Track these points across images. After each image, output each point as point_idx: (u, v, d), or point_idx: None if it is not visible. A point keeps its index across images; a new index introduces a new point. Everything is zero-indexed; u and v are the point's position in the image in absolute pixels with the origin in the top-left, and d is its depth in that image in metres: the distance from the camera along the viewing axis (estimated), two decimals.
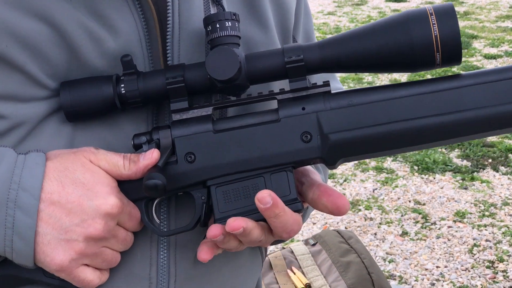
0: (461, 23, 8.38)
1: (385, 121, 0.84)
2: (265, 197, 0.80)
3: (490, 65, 6.50)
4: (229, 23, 0.82)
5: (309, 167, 0.95)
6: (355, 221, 3.79)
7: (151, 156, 0.81)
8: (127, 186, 0.85)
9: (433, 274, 3.25)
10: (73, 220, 0.78)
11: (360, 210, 3.87)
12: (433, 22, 0.80)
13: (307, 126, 0.84)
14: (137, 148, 0.85)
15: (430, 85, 0.85)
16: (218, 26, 0.82)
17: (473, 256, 3.38)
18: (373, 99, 0.85)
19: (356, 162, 4.61)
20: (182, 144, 0.85)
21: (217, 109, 0.88)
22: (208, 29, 0.82)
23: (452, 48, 0.81)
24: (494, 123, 0.84)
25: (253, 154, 0.85)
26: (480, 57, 6.78)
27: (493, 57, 6.76)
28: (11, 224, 0.76)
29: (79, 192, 0.79)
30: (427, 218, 3.79)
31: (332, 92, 0.86)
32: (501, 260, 3.32)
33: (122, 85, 0.83)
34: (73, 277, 0.81)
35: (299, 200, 0.85)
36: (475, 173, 4.35)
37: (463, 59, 6.65)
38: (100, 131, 0.86)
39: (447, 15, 0.81)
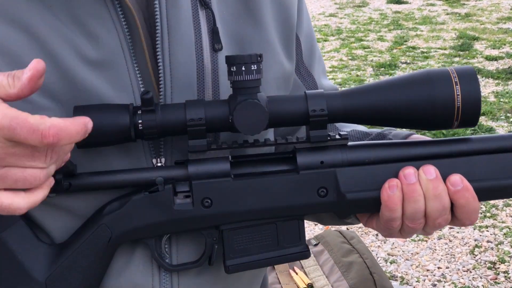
0: (463, 25, 8.39)
1: None
2: (456, 180, 0.82)
3: (491, 66, 6.50)
4: (255, 66, 0.81)
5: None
6: None
7: (34, 66, 0.70)
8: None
9: (434, 275, 3.25)
10: None
11: None
12: (458, 93, 0.81)
13: (324, 181, 0.85)
14: (151, 184, 0.84)
15: (443, 147, 0.87)
16: (243, 69, 0.80)
17: (474, 257, 3.38)
18: (389, 157, 0.86)
19: None
20: (199, 188, 0.84)
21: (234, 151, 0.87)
22: (232, 69, 0.81)
23: (471, 115, 0.82)
24: (500, 193, 0.88)
25: (270, 204, 0.85)
26: (481, 59, 6.78)
27: (494, 58, 6.76)
28: None
29: None
30: None
31: (349, 144, 0.87)
32: (502, 261, 3.32)
33: (140, 121, 0.80)
34: None
35: (307, 248, 0.88)
36: None
37: (464, 60, 6.66)
38: (97, 157, 0.85)
39: (471, 83, 0.82)
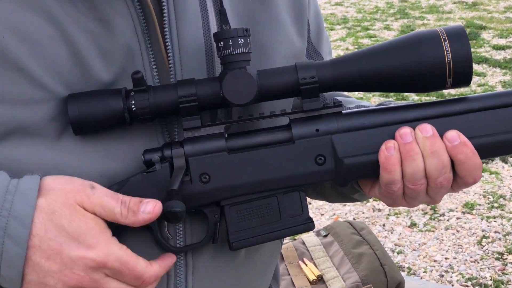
0: (470, 14, 8.34)
1: None
2: (453, 136, 0.82)
3: (499, 55, 6.46)
4: (242, 39, 0.81)
5: None
6: (363, 212, 3.79)
7: (153, 211, 0.78)
8: None
9: (442, 266, 3.25)
10: (52, 266, 0.75)
11: (368, 201, 3.87)
12: (447, 49, 0.81)
13: (321, 149, 0.85)
14: (148, 165, 0.84)
15: (439, 108, 0.86)
16: (231, 43, 0.81)
17: (482, 248, 3.38)
18: (385, 121, 0.86)
19: None
20: (196, 165, 0.84)
21: (228, 126, 0.88)
22: (220, 45, 0.82)
23: (463, 73, 0.82)
24: (501, 149, 0.87)
25: (267, 175, 0.85)
26: (488, 48, 6.74)
27: (502, 48, 6.72)
28: None
29: (61, 239, 0.75)
30: (436, 209, 3.78)
31: (343, 112, 0.87)
32: (510, 252, 3.31)
33: (133, 102, 0.81)
34: None
35: (310, 219, 0.87)
36: (484, 164, 4.33)
37: (472, 49, 6.63)
38: (106, 142, 0.84)
39: (460, 40, 0.82)
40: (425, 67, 0.81)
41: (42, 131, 0.81)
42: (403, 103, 0.90)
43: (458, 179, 0.86)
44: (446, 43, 0.81)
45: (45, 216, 0.75)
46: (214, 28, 0.89)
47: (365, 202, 3.87)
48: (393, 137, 0.84)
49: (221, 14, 0.88)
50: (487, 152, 0.86)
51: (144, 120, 0.83)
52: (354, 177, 0.87)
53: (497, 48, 6.75)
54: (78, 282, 0.76)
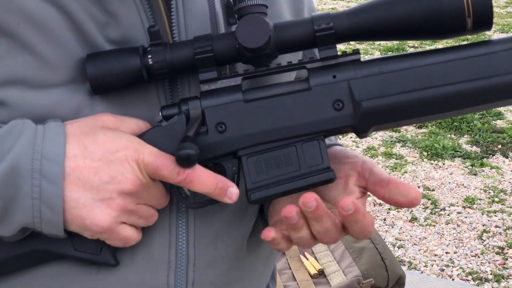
0: None
1: (416, 88, 0.84)
2: (348, 205, 0.79)
3: None
4: None
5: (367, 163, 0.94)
6: None
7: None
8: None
9: (442, 260, 3.26)
10: (103, 178, 0.77)
11: (369, 195, 3.87)
12: None
13: (338, 94, 0.84)
14: (168, 119, 0.84)
15: (460, 52, 0.85)
16: None
17: (482, 242, 3.39)
18: (403, 67, 0.84)
19: (365, 147, 4.61)
20: (212, 114, 0.83)
21: (246, 79, 0.87)
22: None
23: (484, 13, 0.80)
24: None
25: (284, 123, 0.84)
26: None
27: None
28: (37, 194, 0.75)
29: (101, 149, 0.77)
30: (437, 204, 3.79)
31: (361, 60, 0.86)
32: (510, 246, 3.32)
33: (150, 56, 0.81)
34: (115, 236, 0.80)
35: (331, 169, 0.84)
36: (485, 159, 4.34)
37: None
38: (121, 103, 0.85)
39: None
40: (443, 8, 0.80)
41: (56, 113, 0.82)
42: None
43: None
44: None
45: (80, 136, 0.78)
46: (221, 22, 0.89)
47: None
48: (412, 81, 0.83)
49: (227, 7, 0.89)
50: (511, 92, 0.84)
51: (161, 75, 0.83)
52: (373, 122, 0.85)
53: None
54: (130, 185, 0.78)
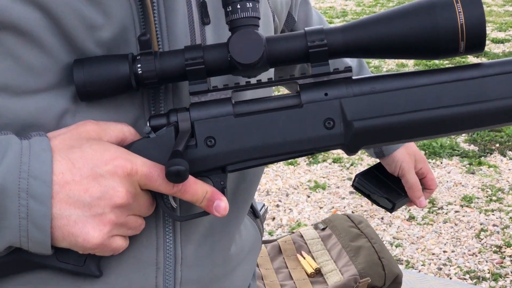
0: None
1: (408, 110, 0.84)
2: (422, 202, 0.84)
3: (498, 49, 6.46)
4: (250, 3, 0.80)
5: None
6: (361, 206, 3.79)
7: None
8: None
9: (440, 259, 3.26)
10: (94, 194, 0.75)
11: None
12: (459, 10, 0.80)
13: (330, 112, 0.83)
14: (156, 130, 0.83)
15: (452, 73, 0.85)
16: (239, 6, 0.80)
17: (480, 241, 3.38)
18: (395, 86, 0.84)
19: None
20: (201, 128, 0.83)
21: (236, 92, 0.86)
22: (228, 9, 0.81)
23: (477, 37, 0.81)
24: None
25: (274, 139, 0.83)
26: (487, 42, 6.74)
27: (501, 41, 6.72)
28: (25, 214, 0.73)
29: (90, 164, 0.75)
30: (434, 202, 3.79)
31: (353, 78, 0.85)
32: (508, 245, 3.32)
33: (139, 65, 0.80)
34: (106, 249, 0.79)
35: None
36: (483, 157, 4.34)
37: None
38: (107, 107, 0.84)
39: (473, 3, 0.80)
40: (437, 30, 0.80)
41: (37, 126, 0.80)
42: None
43: None
44: (458, 4, 0.80)
45: (66, 151, 0.76)
46: (196, 21, 0.88)
47: None
48: (404, 101, 0.84)
49: (203, 7, 0.88)
50: (502, 117, 0.85)
51: (150, 84, 0.82)
52: (363, 142, 0.85)
53: (496, 41, 6.74)
54: (122, 198, 0.76)
